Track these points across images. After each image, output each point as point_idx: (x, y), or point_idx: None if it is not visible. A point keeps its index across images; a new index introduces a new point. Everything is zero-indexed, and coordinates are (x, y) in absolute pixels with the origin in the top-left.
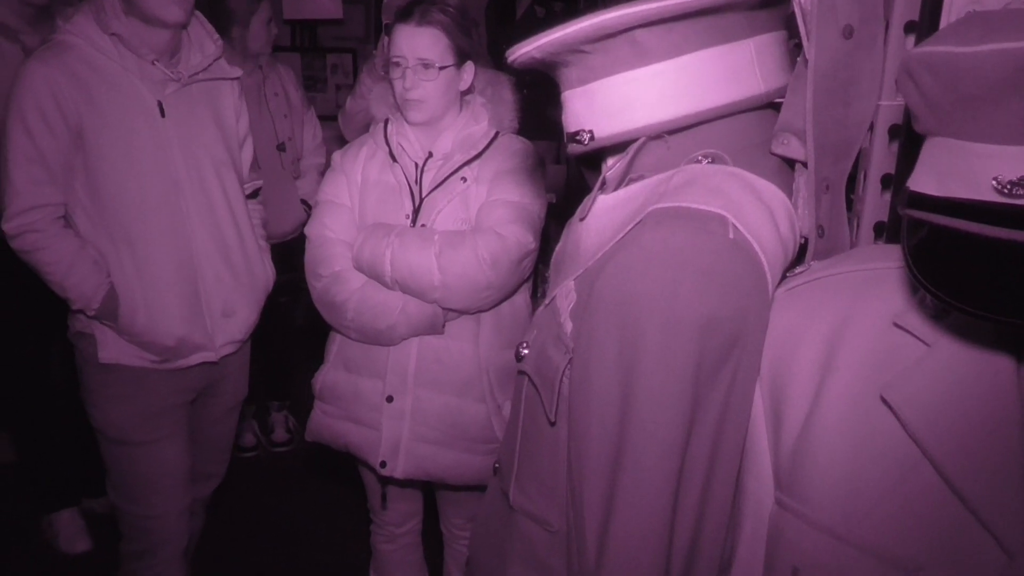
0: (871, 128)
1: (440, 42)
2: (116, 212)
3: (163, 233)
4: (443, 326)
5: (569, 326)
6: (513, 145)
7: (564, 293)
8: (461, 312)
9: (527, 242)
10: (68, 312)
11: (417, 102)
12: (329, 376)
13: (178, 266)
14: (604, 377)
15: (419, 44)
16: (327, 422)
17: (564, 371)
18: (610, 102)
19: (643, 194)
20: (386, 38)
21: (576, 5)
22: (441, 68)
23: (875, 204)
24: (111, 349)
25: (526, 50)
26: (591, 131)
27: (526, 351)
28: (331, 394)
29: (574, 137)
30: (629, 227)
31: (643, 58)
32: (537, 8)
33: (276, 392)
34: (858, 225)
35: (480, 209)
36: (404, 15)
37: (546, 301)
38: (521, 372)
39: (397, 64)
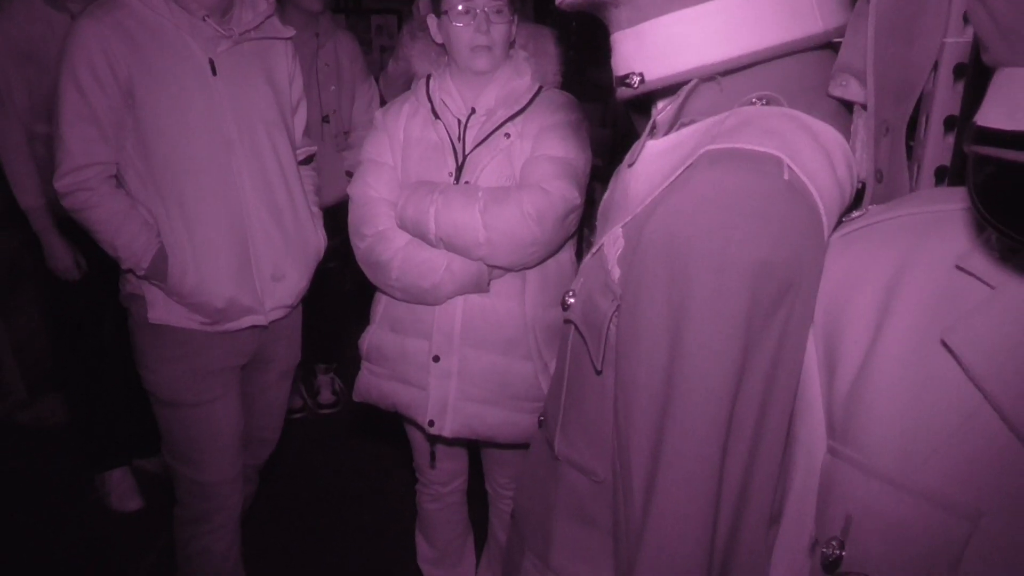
0: (935, 68)
1: None
2: (167, 171)
3: (214, 193)
4: (488, 284)
5: (617, 273)
6: (557, 99)
7: (612, 240)
8: (506, 269)
9: (572, 197)
10: (120, 275)
11: (487, 48)
12: (375, 337)
13: (228, 227)
14: (653, 324)
15: None
16: (375, 382)
17: (611, 318)
18: (661, 43)
19: (695, 137)
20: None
21: None
22: (512, 13)
23: (937, 147)
24: (160, 309)
25: None
26: (641, 74)
27: (572, 300)
28: (378, 354)
29: (623, 80)
30: (680, 171)
31: None
32: None
33: (323, 355)
34: (919, 170)
35: (524, 165)
36: None
37: (593, 249)
38: (567, 321)
39: (467, 12)
